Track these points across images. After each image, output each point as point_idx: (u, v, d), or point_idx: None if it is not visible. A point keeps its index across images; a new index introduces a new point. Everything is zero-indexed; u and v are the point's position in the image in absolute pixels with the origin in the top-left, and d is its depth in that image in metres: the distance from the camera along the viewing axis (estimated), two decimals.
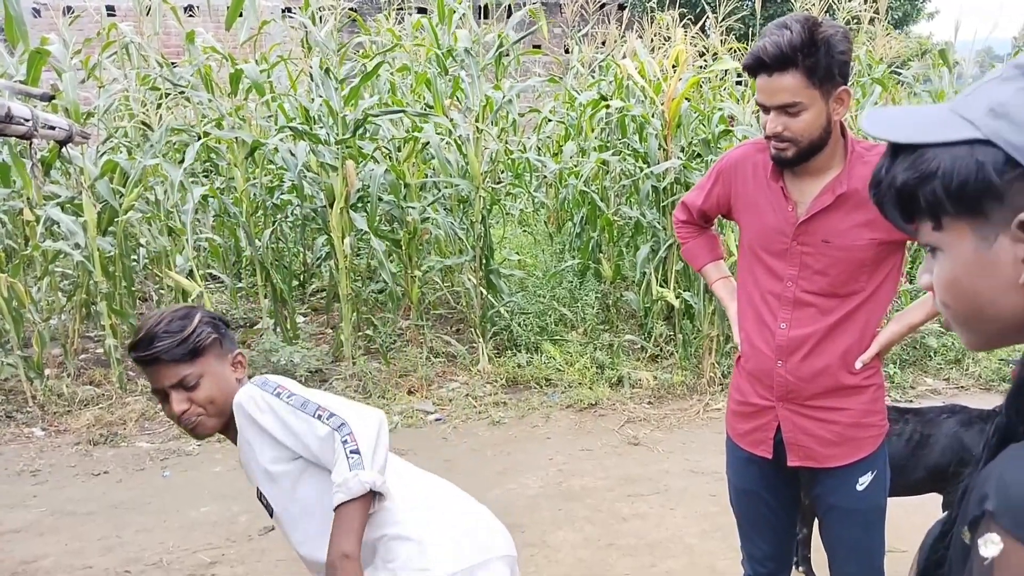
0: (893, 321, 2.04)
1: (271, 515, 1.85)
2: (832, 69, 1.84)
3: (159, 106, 5.81)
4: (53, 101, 4.73)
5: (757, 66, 1.87)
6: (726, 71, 6.45)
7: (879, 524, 2.11)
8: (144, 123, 5.72)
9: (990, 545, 0.74)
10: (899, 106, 1.03)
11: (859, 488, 2.06)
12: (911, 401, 5.11)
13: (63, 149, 4.57)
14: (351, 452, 1.60)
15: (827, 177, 1.96)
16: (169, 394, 1.76)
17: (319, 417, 1.68)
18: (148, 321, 1.80)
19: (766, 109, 1.91)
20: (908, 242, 1.99)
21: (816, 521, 2.37)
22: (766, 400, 2.09)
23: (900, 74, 7.04)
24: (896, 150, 0.82)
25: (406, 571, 1.70)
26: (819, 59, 1.81)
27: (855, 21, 6.62)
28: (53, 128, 3.18)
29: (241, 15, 5.76)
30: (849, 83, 1.91)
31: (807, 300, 2.00)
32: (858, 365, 2.01)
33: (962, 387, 5.42)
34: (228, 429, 1.84)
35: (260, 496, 1.85)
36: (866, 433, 2.05)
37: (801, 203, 1.98)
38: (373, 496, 1.62)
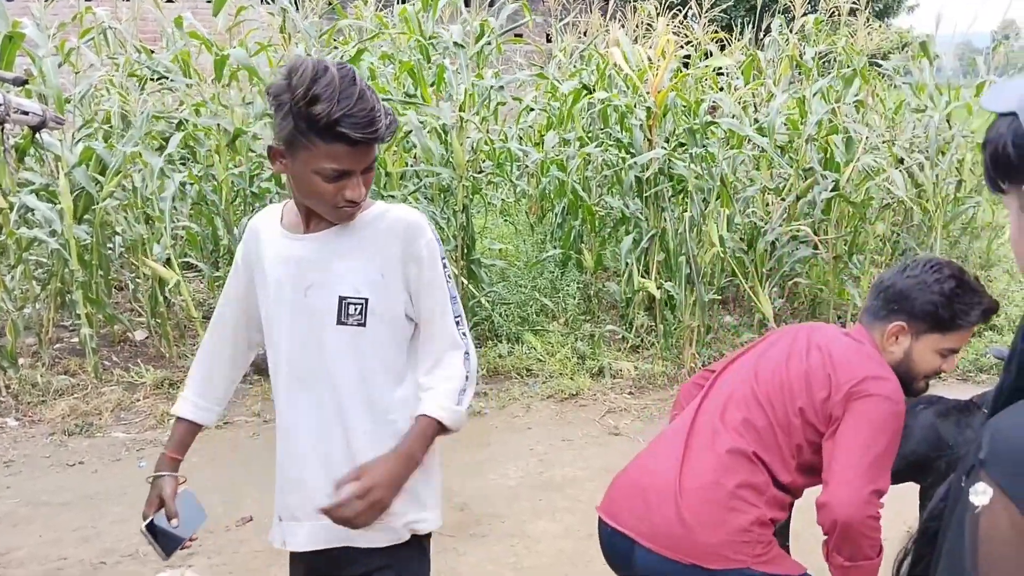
0: None
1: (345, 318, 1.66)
2: None
3: (142, 91, 5.72)
4: (27, 86, 4.66)
5: None
6: (709, 55, 6.45)
7: None
8: (124, 110, 5.63)
9: (979, 495, 0.75)
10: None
11: None
12: None
13: (36, 135, 4.50)
14: (462, 390, 1.66)
15: None
16: (354, 176, 1.59)
17: (458, 323, 1.68)
18: (336, 87, 1.49)
19: None
20: None
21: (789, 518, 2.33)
22: None
23: (880, 66, 7.07)
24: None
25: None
26: None
27: (837, 13, 6.63)
28: (27, 113, 3.13)
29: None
30: None
31: None
32: None
33: (939, 377, 5.43)
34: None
35: (343, 304, 1.65)
36: None
37: None
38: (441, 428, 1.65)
